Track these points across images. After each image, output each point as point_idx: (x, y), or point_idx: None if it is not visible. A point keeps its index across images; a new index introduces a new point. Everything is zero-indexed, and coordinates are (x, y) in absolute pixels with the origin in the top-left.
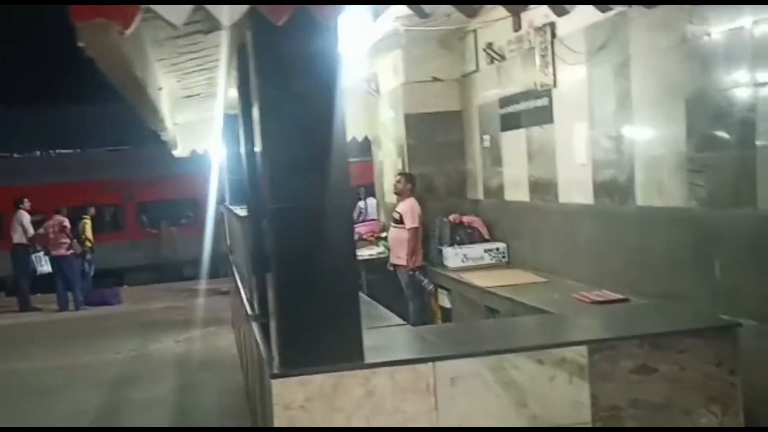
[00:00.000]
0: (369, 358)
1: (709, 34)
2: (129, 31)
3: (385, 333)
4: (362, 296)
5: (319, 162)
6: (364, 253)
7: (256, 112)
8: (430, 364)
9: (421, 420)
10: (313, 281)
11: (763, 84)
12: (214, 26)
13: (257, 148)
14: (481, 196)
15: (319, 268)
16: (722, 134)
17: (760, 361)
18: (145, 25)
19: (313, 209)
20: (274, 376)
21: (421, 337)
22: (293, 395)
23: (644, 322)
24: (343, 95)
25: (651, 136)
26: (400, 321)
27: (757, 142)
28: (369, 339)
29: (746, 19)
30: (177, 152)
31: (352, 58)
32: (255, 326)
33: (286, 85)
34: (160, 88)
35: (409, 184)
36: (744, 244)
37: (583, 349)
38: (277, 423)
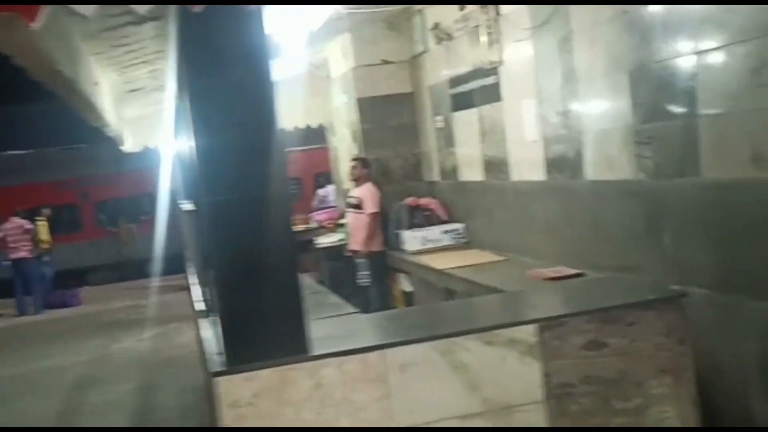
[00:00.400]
0: (318, 349)
1: (647, 4)
2: (36, 25)
3: (336, 322)
4: (315, 285)
5: (253, 152)
6: (325, 240)
7: (187, 104)
8: (380, 351)
9: (372, 409)
10: (253, 275)
11: (702, 52)
12: (143, 17)
13: (191, 141)
14: (437, 177)
15: (258, 261)
16: (666, 105)
17: (712, 329)
18: (72, 19)
19: (248, 201)
20: (219, 374)
21: (372, 324)
22: (239, 392)
23: (595, 296)
24: (274, 83)
25: (598, 110)
26: (352, 309)
27: (699, 111)
28: (319, 329)
29: None
30: (127, 148)
31: (298, 43)
32: (201, 323)
33: (214, 75)
34: (95, 83)
35: (366, 168)
36: (692, 213)
37: (533, 328)
38: (225, 421)
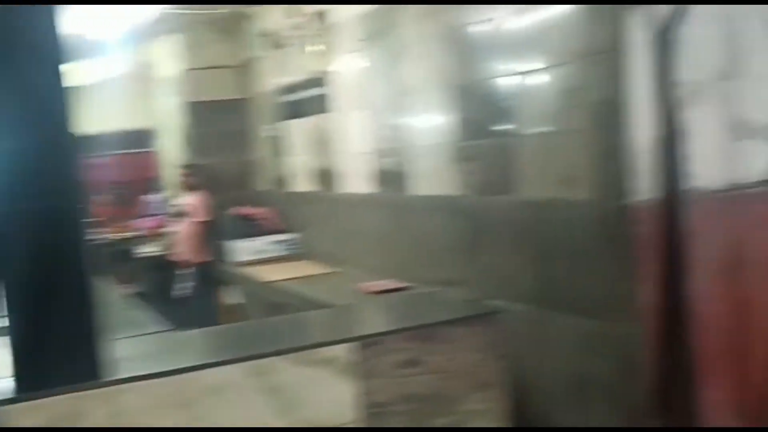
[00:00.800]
0: (117, 373)
1: (473, 24)
2: None
3: (145, 341)
4: (129, 299)
5: (39, 160)
6: (149, 249)
7: None
8: (188, 374)
9: None
10: (41, 290)
11: (524, 73)
12: None
13: None
14: (269, 186)
15: (47, 276)
16: (490, 122)
17: (529, 344)
18: None
19: (37, 211)
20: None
21: (185, 343)
22: (24, 423)
23: (417, 312)
24: (65, 85)
25: (427, 125)
26: (167, 326)
27: (519, 130)
28: (125, 349)
29: (505, 10)
30: None
31: (120, 42)
32: None
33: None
34: None
35: (196, 176)
36: (511, 230)
37: (351, 346)
38: None
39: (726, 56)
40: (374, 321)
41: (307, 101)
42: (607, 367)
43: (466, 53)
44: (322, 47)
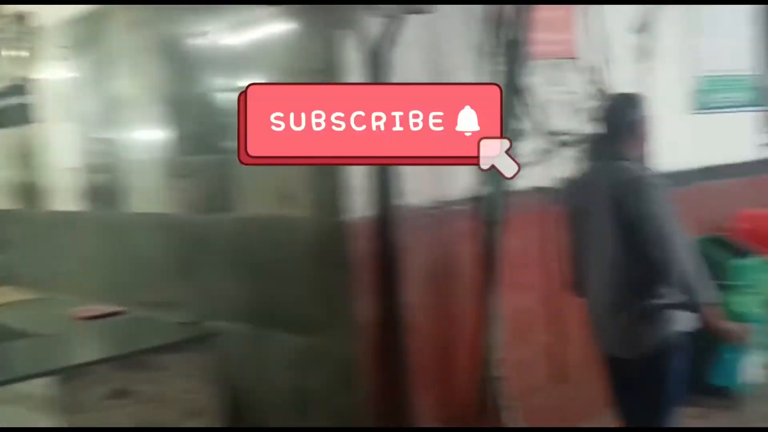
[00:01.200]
0: None
1: (185, 37)
2: None
3: None
4: None
5: None
6: None
7: None
8: None
9: None
10: None
11: (238, 90)
12: None
13: None
14: None
15: None
16: (205, 139)
17: (248, 365)
18: None
19: None
20: None
21: None
22: None
23: (126, 339)
24: None
25: (140, 140)
26: None
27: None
28: None
29: (219, 24)
30: None
31: None
32: None
33: None
34: None
35: None
36: (229, 249)
37: (51, 380)
38: None
39: (431, 79)
40: (81, 350)
41: (7, 110)
42: (325, 381)
43: (182, 67)
44: (23, 52)
